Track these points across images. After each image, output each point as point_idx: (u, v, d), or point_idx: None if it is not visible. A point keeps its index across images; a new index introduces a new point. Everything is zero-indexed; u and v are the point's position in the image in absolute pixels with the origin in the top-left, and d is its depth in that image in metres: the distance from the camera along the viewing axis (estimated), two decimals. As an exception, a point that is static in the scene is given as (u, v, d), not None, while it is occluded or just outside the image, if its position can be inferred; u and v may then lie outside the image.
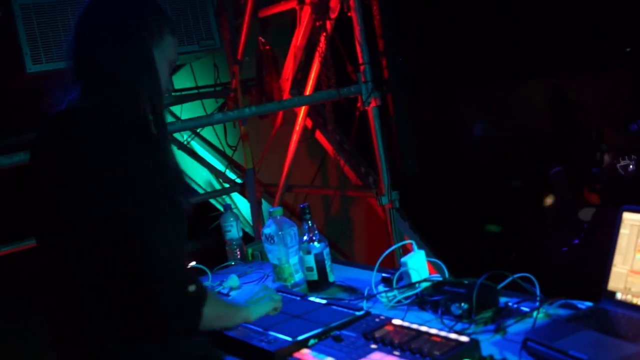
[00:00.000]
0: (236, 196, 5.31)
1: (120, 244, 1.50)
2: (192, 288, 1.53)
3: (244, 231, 3.01)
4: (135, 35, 1.63)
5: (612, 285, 1.83)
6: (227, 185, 4.94)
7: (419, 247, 2.25)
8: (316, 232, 2.38)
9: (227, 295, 2.42)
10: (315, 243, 2.38)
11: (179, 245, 1.55)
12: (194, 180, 6.00)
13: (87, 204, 1.52)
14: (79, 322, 1.57)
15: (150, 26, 1.66)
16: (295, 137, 4.43)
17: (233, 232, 2.88)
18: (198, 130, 5.38)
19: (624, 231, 1.84)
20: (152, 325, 1.52)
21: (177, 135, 4.96)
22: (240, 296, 2.09)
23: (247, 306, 1.90)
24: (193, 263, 2.72)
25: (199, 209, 5.79)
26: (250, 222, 4.87)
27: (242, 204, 5.38)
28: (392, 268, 2.33)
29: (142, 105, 1.62)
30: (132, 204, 1.49)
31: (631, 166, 5.40)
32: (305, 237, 2.39)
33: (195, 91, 5.10)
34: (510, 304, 1.98)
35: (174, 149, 5.03)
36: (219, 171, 5.08)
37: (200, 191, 5.78)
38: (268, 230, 2.44)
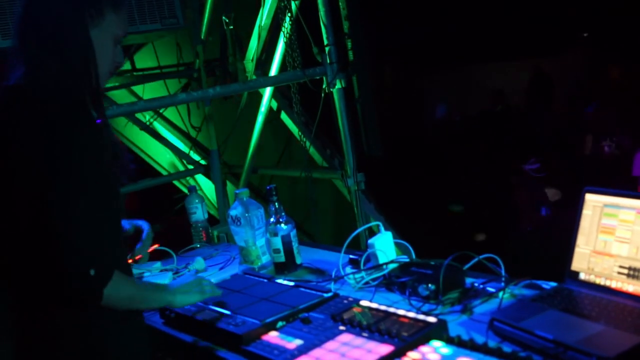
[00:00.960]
0: (200, 178, 5.26)
1: (34, 221, 1.56)
2: (92, 272, 1.56)
3: (209, 213, 2.99)
4: (72, 15, 1.67)
5: (575, 265, 1.86)
6: (191, 167, 4.89)
7: (386, 229, 2.26)
8: (283, 214, 2.37)
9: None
10: (282, 225, 2.37)
11: (93, 230, 1.57)
12: (157, 162, 5.93)
13: (13, 179, 1.59)
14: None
15: (88, 5, 1.69)
16: (260, 119, 4.40)
17: (198, 214, 2.85)
18: (161, 111, 5.31)
19: (587, 212, 1.86)
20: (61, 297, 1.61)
21: (139, 115, 4.89)
22: (176, 282, 2.05)
23: (173, 291, 1.85)
24: (155, 246, 2.67)
25: (163, 191, 5.74)
26: (215, 204, 4.83)
27: (206, 186, 5.34)
28: (359, 250, 2.34)
29: (80, 84, 1.66)
30: (48, 182, 1.54)
31: (606, 147, 5.51)
32: (272, 219, 2.37)
33: (158, 71, 5.03)
34: (476, 284, 2.00)
35: (137, 130, 4.97)
36: (183, 152, 5.02)
37: (164, 173, 5.72)
38: (234, 212, 2.42)
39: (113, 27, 1.74)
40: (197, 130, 4.94)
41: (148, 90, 5.13)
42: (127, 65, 5.27)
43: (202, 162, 4.84)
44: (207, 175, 4.81)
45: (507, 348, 1.55)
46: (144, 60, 5.27)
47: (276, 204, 2.36)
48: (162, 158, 5.88)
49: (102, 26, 1.72)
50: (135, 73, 5.16)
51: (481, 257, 2.03)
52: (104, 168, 1.63)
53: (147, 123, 4.87)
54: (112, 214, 1.68)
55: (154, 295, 1.81)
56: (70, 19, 1.67)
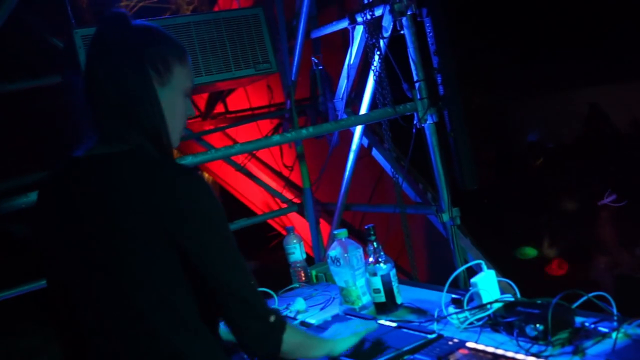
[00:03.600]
0: (293, 217, 5.32)
1: (200, 275, 1.53)
2: (272, 318, 1.58)
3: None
4: (136, 76, 1.57)
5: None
6: (284, 206, 4.95)
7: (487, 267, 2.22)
8: (382, 253, 2.37)
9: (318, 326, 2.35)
10: (382, 264, 2.36)
11: (250, 275, 1.58)
12: (251, 201, 6.05)
13: (151, 240, 1.50)
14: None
15: (153, 62, 1.60)
16: (352, 156, 4.42)
17: (297, 254, 2.88)
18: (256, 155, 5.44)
19: None
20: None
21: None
22: (335, 329, 2.04)
23: (332, 339, 1.88)
24: None
25: (256, 230, 5.84)
26: (309, 242, 4.87)
27: (299, 225, 5.40)
28: (460, 288, 2.30)
29: (163, 144, 1.60)
30: (207, 236, 1.52)
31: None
32: (370, 259, 2.37)
33: (250, 112, 5.16)
34: (587, 324, 1.93)
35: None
36: (276, 192, 5.10)
37: (258, 212, 5.82)
38: (333, 252, 2.43)
39: (182, 80, 1.65)
40: (289, 169, 5.01)
41: (240, 132, 5.26)
42: (219, 108, 5.43)
43: (295, 200, 4.90)
44: (301, 213, 4.86)
45: (626, 393, 1.48)
46: (235, 102, 5.42)
47: (375, 243, 2.36)
48: (255, 197, 5.99)
49: (172, 82, 1.63)
50: (227, 116, 5.31)
51: (590, 295, 1.96)
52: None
53: (242, 165, 4.98)
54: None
55: (320, 343, 1.83)
56: (136, 80, 1.56)
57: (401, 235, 4.37)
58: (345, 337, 1.90)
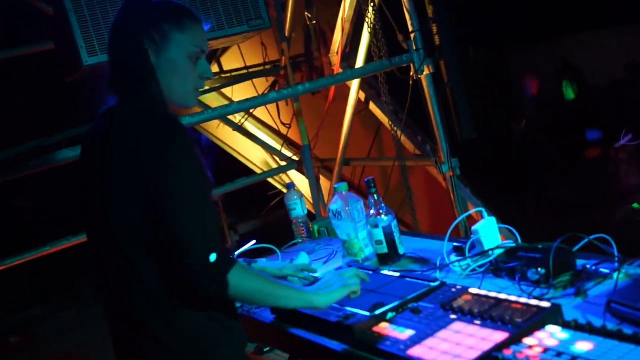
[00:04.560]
0: (293, 174, 5.33)
1: (156, 222, 1.65)
2: (213, 258, 1.61)
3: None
4: (133, 43, 1.75)
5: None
6: (284, 164, 4.96)
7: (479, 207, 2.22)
8: (382, 205, 2.38)
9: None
10: (383, 216, 2.37)
11: (205, 218, 1.66)
12: (250, 161, 6.04)
13: (131, 190, 1.67)
14: (128, 297, 1.74)
15: (148, 31, 1.76)
16: (349, 111, 4.41)
17: (298, 210, 2.89)
18: (251, 111, 5.41)
19: None
20: (188, 295, 1.67)
21: (231, 117, 5.00)
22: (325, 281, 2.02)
23: (310, 291, 1.84)
24: (253, 242, 2.72)
25: (257, 189, 5.85)
26: (310, 199, 4.89)
27: (299, 182, 5.41)
28: (461, 237, 2.32)
29: (161, 107, 1.78)
30: (171, 188, 1.64)
31: None
32: (372, 211, 2.38)
33: (245, 71, 5.12)
34: (588, 266, 1.95)
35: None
36: (275, 150, 5.10)
37: (258, 171, 5.82)
38: (335, 206, 2.44)
39: (183, 45, 1.78)
40: (287, 127, 5.00)
41: (236, 91, 5.23)
42: (214, 68, 5.39)
43: (295, 158, 4.90)
44: (301, 170, 4.87)
45: (628, 330, 1.50)
46: (230, 62, 5.37)
47: (375, 195, 2.36)
48: (255, 156, 5.99)
49: (170, 49, 1.76)
50: (223, 75, 5.27)
51: (591, 237, 1.97)
52: (202, 166, 1.71)
53: (239, 124, 4.96)
54: (213, 209, 1.75)
55: (288, 292, 1.81)
56: (132, 47, 1.75)
57: (402, 189, 4.39)
58: (331, 290, 1.84)
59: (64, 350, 5.94)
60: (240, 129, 4.92)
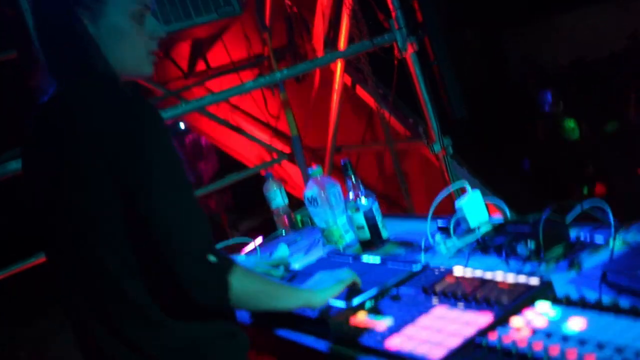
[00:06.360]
0: (289, 166, 5.19)
1: (140, 223, 1.41)
2: (212, 259, 1.41)
3: (299, 199, 2.86)
4: (64, 13, 1.52)
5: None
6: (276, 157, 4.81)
7: (480, 190, 2.06)
8: (362, 187, 2.23)
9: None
10: (363, 199, 2.22)
11: (196, 216, 1.44)
12: (246, 158, 5.91)
13: (99, 182, 1.43)
14: (105, 313, 1.50)
15: (81, 1, 1.52)
16: (335, 97, 4.26)
17: (278, 199, 2.74)
18: (241, 106, 5.28)
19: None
20: (181, 301, 1.43)
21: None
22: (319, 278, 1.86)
23: (308, 289, 1.67)
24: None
25: (259, 185, 5.71)
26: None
27: (294, 173, 5.27)
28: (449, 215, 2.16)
29: (116, 81, 1.53)
30: (144, 173, 1.41)
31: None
32: (350, 195, 2.23)
33: (231, 66, 4.99)
34: (582, 236, 1.79)
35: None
36: (264, 143, 4.96)
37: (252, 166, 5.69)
38: (310, 192, 2.29)
39: (121, 4, 1.53)
40: (276, 118, 4.86)
41: (224, 87, 5.09)
42: (200, 66, 5.27)
43: (286, 150, 4.76)
44: (294, 161, 4.73)
45: (625, 302, 1.34)
46: (217, 58, 5.25)
47: (353, 178, 2.21)
48: (250, 152, 5.85)
49: (107, 11, 1.52)
50: (210, 72, 5.14)
51: (584, 204, 1.81)
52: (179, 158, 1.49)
53: (226, 120, 4.83)
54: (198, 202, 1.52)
55: (288, 291, 1.63)
56: (63, 20, 1.52)
57: (397, 173, 4.24)
58: (327, 286, 1.68)
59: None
60: (226, 123, 4.78)
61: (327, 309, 1.72)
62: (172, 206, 1.40)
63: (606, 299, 1.39)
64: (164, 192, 1.41)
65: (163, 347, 1.48)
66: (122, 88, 1.51)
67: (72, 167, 1.46)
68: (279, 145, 4.98)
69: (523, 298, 1.48)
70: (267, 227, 2.90)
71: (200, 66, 5.28)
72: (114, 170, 1.41)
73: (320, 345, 1.70)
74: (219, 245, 2.29)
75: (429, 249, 2.04)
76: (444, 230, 2.05)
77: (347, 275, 1.74)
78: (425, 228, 2.15)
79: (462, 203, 2.00)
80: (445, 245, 1.98)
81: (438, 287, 1.67)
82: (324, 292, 1.67)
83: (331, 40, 4.42)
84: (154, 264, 1.42)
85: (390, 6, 3.70)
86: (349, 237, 2.29)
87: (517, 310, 1.45)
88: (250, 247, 2.52)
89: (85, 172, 1.44)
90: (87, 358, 1.58)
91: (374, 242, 2.22)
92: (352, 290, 1.75)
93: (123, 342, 1.49)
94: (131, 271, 1.46)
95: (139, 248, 1.44)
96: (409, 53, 3.69)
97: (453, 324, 1.49)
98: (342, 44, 4.07)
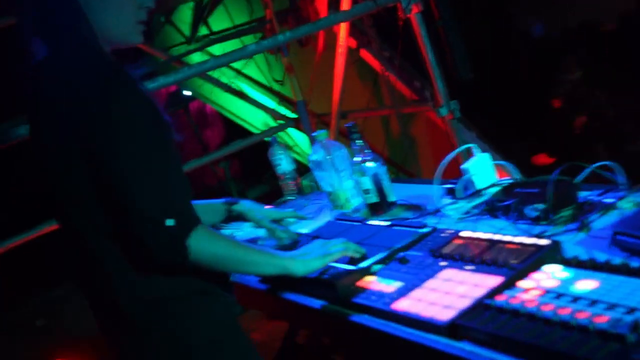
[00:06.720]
0: (295, 132, 5.16)
1: (107, 189, 1.46)
2: (170, 222, 1.41)
3: (306, 165, 2.84)
4: None
5: None
6: (282, 122, 4.77)
7: (486, 152, 2.04)
8: (368, 151, 2.20)
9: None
10: (370, 163, 2.19)
11: (157, 180, 1.44)
12: (249, 123, 5.87)
13: (68, 149, 1.47)
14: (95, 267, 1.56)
15: None
16: (340, 60, 4.20)
17: (284, 165, 2.71)
18: (244, 71, 5.22)
19: None
20: (146, 261, 1.48)
21: (224, 79, 4.82)
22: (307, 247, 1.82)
23: (291, 256, 1.64)
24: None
25: (259, 151, 5.68)
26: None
27: (301, 139, 5.24)
28: (457, 178, 2.13)
29: (97, 48, 1.53)
30: (115, 148, 1.42)
31: None
32: (357, 158, 2.21)
33: (234, 31, 4.93)
34: (591, 197, 1.77)
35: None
36: (271, 109, 4.92)
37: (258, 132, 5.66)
38: (315, 156, 2.26)
39: None
40: (280, 83, 4.81)
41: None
42: (203, 30, 5.21)
43: (292, 115, 4.71)
44: (299, 127, 4.69)
45: (635, 263, 1.33)
46: (219, 22, 5.19)
47: (358, 141, 2.18)
48: (256, 119, 5.81)
49: None
50: (212, 37, 5.09)
51: (594, 165, 1.79)
52: (159, 122, 1.50)
53: (229, 83, 4.78)
54: (177, 168, 1.53)
55: (262, 257, 1.60)
56: None
57: (405, 138, 4.21)
58: (312, 257, 1.65)
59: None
60: (231, 89, 4.73)
61: (336, 272, 1.71)
62: (132, 172, 1.42)
63: (616, 260, 1.37)
64: (125, 158, 1.42)
65: (135, 304, 1.52)
66: (102, 55, 1.52)
67: (50, 134, 1.50)
68: (285, 111, 4.95)
69: (532, 259, 1.46)
70: (275, 194, 2.88)
71: (201, 30, 5.24)
72: (81, 138, 1.44)
73: (328, 308, 1.70)
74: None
75: (436, 212, 2.02)
76: (453, 193, 2.03)
77: (338, 249, 1.70)
78: (432, 191, 2.13)
79: (469, 165, 1.97)
80: (453, 208, 1.95)
81: (446, 250, 1.65)
82: (307, 262, 1.64)
83: (334, 2, 4.36)
84: (122, 227, 1.46)
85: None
86: (355, 202, 2.27)
87: (526, 272, 1.44)
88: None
89: (59, 140, 1.48)
90: (95, 317, 1.65)
91: (381, 206, 2.20)
92: (355, 259, 1.73)
93: (106, 302, 1.56)
94: (105, 234, 1.50)
95: (109, 212, 1.48)
96: (414, 13, 3.62)
97: (461, 286, 1.48)
98: (345, 5, 4.00)
